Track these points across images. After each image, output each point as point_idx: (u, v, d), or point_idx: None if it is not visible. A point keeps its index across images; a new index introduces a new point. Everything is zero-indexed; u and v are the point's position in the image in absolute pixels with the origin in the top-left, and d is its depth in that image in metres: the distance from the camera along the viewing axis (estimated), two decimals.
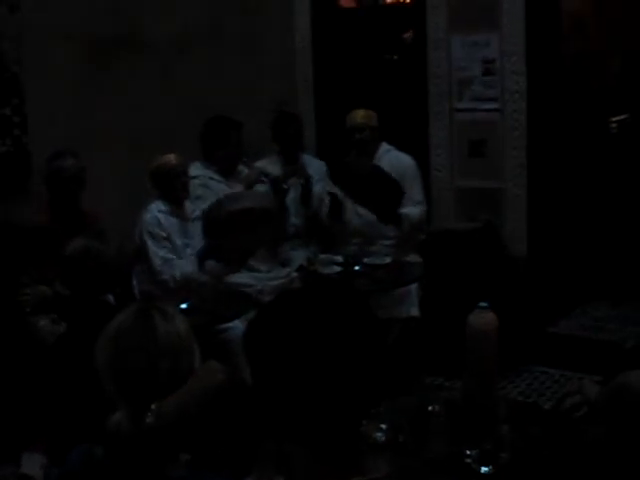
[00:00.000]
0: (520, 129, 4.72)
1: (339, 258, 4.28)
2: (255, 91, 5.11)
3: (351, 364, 3.60)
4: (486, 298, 2.33)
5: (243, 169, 4.50)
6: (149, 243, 3.86)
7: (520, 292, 4.57)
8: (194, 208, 4.08)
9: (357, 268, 4.16)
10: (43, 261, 3.37)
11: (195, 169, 4.27)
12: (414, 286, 4.29)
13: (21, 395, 2.73)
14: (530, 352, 4.57)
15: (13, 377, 2.80)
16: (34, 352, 2.88)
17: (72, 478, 1.70)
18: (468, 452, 2.07)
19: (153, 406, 1.59)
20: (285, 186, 4.48)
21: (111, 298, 3.35)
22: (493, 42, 4.73)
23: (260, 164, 4.66)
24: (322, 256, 4.41)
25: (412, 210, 4.44)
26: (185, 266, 3.82)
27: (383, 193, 4.34)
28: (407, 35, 5.25)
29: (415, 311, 4.29)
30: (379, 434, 2.24)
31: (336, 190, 4.43)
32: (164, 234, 3.90)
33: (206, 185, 4.32)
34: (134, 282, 4.01)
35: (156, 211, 3.92)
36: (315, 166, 4.80)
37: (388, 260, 4.29)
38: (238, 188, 4.36)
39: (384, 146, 4.59)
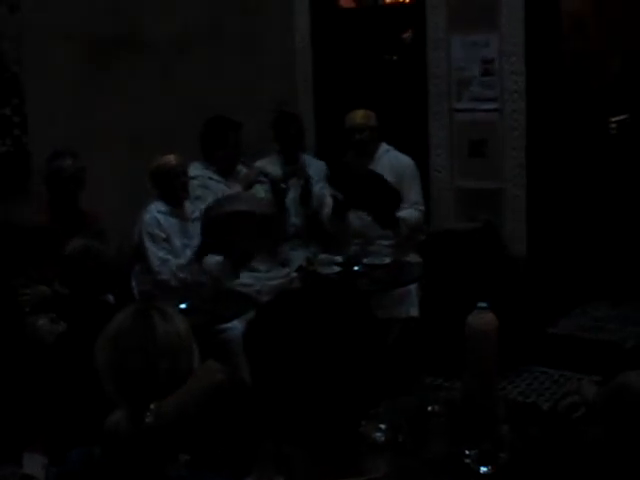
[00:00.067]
0: (519, 129, 4.72)
1: (339, 258, 4.28)
2: (255, 91, 5.11)
3: (351, 364, 3.61)
4: (486, 298, 2.33)
5: (242, 169, 4.50)
6: (148, 244, 3.86)
7: (520, 292, 4.57)
8: (194, 209, 4.08)
9: (357, 268, 4.16)
10: (42, 261, 3.37)
11: (194, 169, 4.27)
12: (414, 286, 4.29)
13: (20, 395, 2.73)
14: (530, 352, 4.57)
15: (12, 376, 2.80)
16: (33, 351, 2.88)
17: (71, 478, 1.70)
18: (467, 452, 2.07)
19: (152, 406, 1.59)
20: (284, 186, 4.48)
21: (111, 298, 3.35)
22: (492, 42, 4.73)
23: (260, 164, 4.66)
24: (322, 256, 4.41)
25: (410, 213, 4.44)
26: (180, 266, 3.83)
27: (380, 198, 4.34)
28: (406, 35, 5.25)
29: (415, 311, 4.29)
30: (378, 434, 2.25)
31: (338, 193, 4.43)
32: (163, 235, 3.90)
33: (205, 185, 4.32)
34: (133, 282, 4.01)
35: (155, 212, 3.92)
36: (315, 166, 4.80)
37: (388, 260, 4.29)
38: (237, 188, 4.37)
39: (383, 146, 4.59)
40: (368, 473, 2.10)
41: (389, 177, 4.41)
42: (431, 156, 5.03)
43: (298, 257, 4.46)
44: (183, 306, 3.43)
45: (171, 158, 3.92)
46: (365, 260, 4.24)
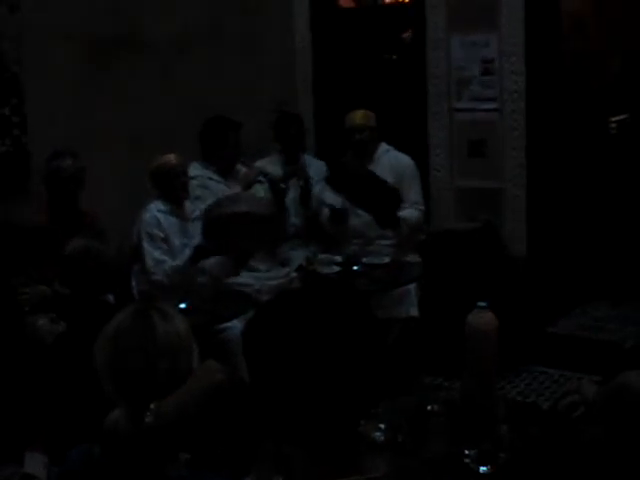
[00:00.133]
0: (519, 129, 4.72)
1: (338, 258, 4.29)
2: (255, 91, 5.11)
3: (350, 364, 3.61)
4: (485, 298, 2.33)
5: (241, 168, 4.50)
6: (145, 243, 3.86)
7: (519, 292, 4.57)
8: (193, 208, 4.08)
9: (356, 268, 4.16)
10: (42, 261, 3.37)
11: (194, 169, 4.28)
12: (413, 286, 4.29)
13: (20, 394, 2.73)
14: (529, 352, 4.57)
15: (12, 376, 2.80)
16: (33, 351, 2.88)
17: (72, 477, 1.70)
18: (467, 452, 2.07)
19: (152, 406, 1.59)
20: (284, 186, 4.48)
21: (111, 298, 3.35)
22: (492, 42, 4.73)
23: (260, 163, 4.66)
24: (321, 256, 4.42)
25: (410, 213, 4.44)
26: (175, 266, 3.83)
27: (380, 198, 4.34)
28: (406, 35, 5.25)
29: (414, 311, 4.29)
30: (378, 434, 2.25)
31: (334, 200, 4.43)
32: (162, 235, 3.90)
33: (205, 185, 4.32)
34: (133, 282, 4.01)
35: (155, 211, 3.92)
36: (315, 166, 4.80)
37: (387, 260, 4.29)
38: (237, 188, 4.37)
39: (383, 146, 4.59)
40: (368, 473, 2.10)
41: (389, 177, 4.42)
42: (431, 156, 5.03)
43: (298, 257, 4.46)
44: (182, 306, 3.43)
45: (171, 158, 3.92)
46: (365, 260, 4.24)
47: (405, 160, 4.57)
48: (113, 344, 1.66)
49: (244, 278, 4.13)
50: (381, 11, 5.43)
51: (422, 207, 4.55)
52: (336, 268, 4.18)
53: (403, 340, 4.27)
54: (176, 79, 4.73)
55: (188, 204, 4.06)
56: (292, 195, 4.60)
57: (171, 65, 4.73)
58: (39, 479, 2.52)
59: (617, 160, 5.42)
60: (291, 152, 4.68)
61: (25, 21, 4.09)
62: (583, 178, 5.23)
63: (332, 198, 4.49)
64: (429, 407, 2.40)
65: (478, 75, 4.80)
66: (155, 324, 1.66)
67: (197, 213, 4.03)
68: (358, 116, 4.49)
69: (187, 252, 3.86)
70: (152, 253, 3.85)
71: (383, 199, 4.33)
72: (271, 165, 4.66)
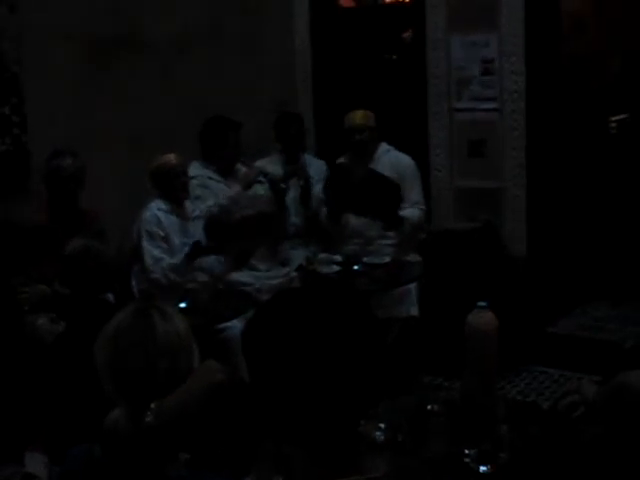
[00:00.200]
0: (519, 129, 4.72)
1: (338, 257, 4.29)
2: (255, 91, 5.11)
3: (350, 364, 3.60)
4: (485, 298, 2.33)
5: (241, 168, 4.50)
6: (144, 242, 3.86)
7: (519, 292, 4.57)
8: (194, 208, 4.08)
9: (356, 267, 4.16)
10: (42, 260, 3.37)
11: (194, 169, 4.28)
12: (413, 285, 4.29)
13: (20, 394, 2.73)
14: (529, 352, 4.57)
15: (11, 376, 2.80)
16: (32, 351, 2.88)
17: (72, 477, 1.70)
18: (467, 451, 2.07)
19: (153, 405, 1.59)
20: (284, 186, 4.49)
21: (111, 297, 3.35)
22: (492, 42, 4.73)
23: (261, 163, 4.66)
24: (321, 255, 4.42)
25: (412, 212, 4.44)
26: (174, 264, 3.83)
27: (381, 198, 4.34)
28: (406, 35, 5.25)
29: (414, 310, 4.29)
30: (378, 433, 2.24)
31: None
32: (162, 233, 3.90)
33: (205, 185, 4.32)
34: (133, 281, 4.01)
35: (156, 209, 3.92)
36: (316, 166, 4.80)
37: (387, 259, 4.29)
38: (236, 188, 4.36)
39: (383, 146, 4.59)
40: (368, 472, 2.09)
41: (389, 177, 4.42)
42: (431, 156, 5.03)
43: (298, 256, 4.46)
44: (183, 305, 3.43)
45: (171, 158, 3.93)
46: (365, 259, 4.24)
47: (405, 160, 4.57)
48: (113, 343, 1.66)
49: (244, 277, 4.13)
50: (381, 11, 5.43)
51: (423, 207, 4.55)
52: (336, 268, 4.18)
53: (403, 340, 4.27)
54: (176, 79, 4.73)
55: (188, 204, 4.07)
56: (292, 195, 4.60)
57: (171, 65, 4.72)
58: (40, 479, 2.52)
59: (617, 160, 5.42)
60: (291, 152, 4.69)
61: (25, 21, 4.09)
62: (583, 178, 5.23)
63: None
64: (429, 407, 2.40)
65: (478, 75, 4.80)
66: (155, 323, 1.66)
67: (197, 212, 4.03)
68: (357, 116, 4.49)
69: (185, 249, 3.87)
70: (151, 251, 3.85)
71: (385, 198, 4.32)
72: (271, 165, 4.66)
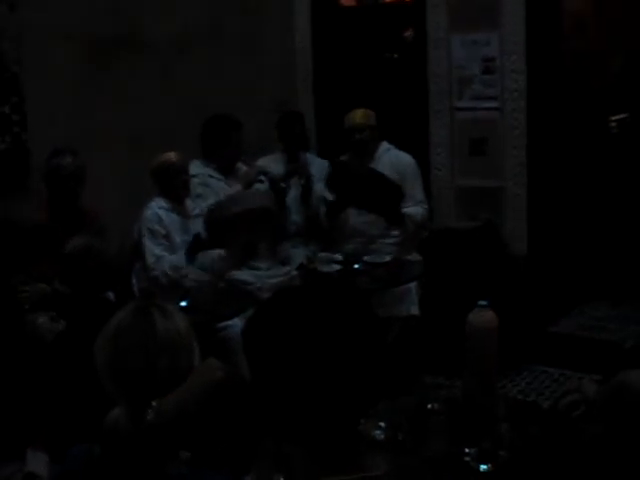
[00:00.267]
0: (520, 128, 4.72)
1: (339, 256, 4.29)
2: (255, 91, 5.11)
3: (350, 362, 3.60)
4: (486, 297, 2.33)
5: (241, 166, 4.50)
6: (146, 240, 3.86)
7: (520, 291, 4.57)
8: (194, 206, 4.08)
9: (357, 266, 4.17)
10: (42, 259, 3.36)
11: (195, 167, 4.28)
12: (414, 284, 4.29)
13: (20, 393, 2.73)
14: (530, 351, 4.57)
15: (11, 374, 2.80)
16: (32, 349, 2.88)
17: (72, 476, 1.70)
18: (467, 450, 2.07)
19: (153, 403, 1.59)
20: (284, 185, 4.49)
21: (111, 296, 3.35)
22: (493, 41, 4.74)
23: (263, 162, 4.66)
24: (322, 254, 4.41)
25: (415, 210, 4.44)
26: (176, 261, 3.83)
27: (383, 193, 4.34)
28: (407, 34, 5.25)
29: (415, 310, 4.29)
30: (378, 432, 2.25)
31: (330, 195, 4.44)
32: (163, 231, 3.90)
33: (206, 183, 4.32)
34: (133, 280, 4.01)
35: (157, 207, 3.92)
36: (317, 165, 4.80)
37: (388, 258, 4.29)
38: (237, 186, 4.36)
39: (384, 145, 4.59)
40: (368, 471, 2.10)
41: (390, 176, 4.41)
42: (432, 155, 5.04)
43: (299, 255, 4.46)
44: (183, 304, 3.43)
45: (172, 155, 3.93)
46: (365, 258, 4.24)
47: (406, 159, 4.57)
48: (113, 342, 1.65)
49: (245, 276, 4.14)
50: (382, 10, 5.43)
51: (426, 205, 4.55)
52: (337, 266, 4.18)
53: (404, 339, 4.27)
54: (176, 79, 4.73)
55: (189, 201, 4.07)
56: (293, 193, 4.60)
57: (171, 65, 4.73)
58: (41, 478, 2.52)
59: (617, 159, 5.41)
60: (294, 151, 4.69)
61: (25, 21, 4.09)
62: (584, 177, 5.22)
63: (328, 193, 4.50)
64: (429, 406, 2.40)
65: (479, 74, 4.80)
66: (155, 322, 1.66)
67: (197, 210, 4.04)
68: (358, 115, 4.49)
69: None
70: (153, 249, 3.85)
71: (386, 196, 4.33)
72: (274, 163, 4.67)
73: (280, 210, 4.33)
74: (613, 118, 5.57)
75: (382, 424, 2.26)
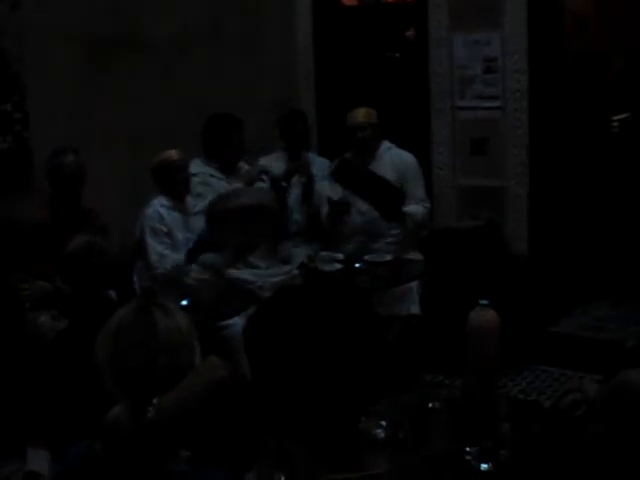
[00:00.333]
0: (522, 128, 4.72)
1: (340, 255, 4.29)
2: (255, 91, 5.11)
3: (351, 361, 3.60)
4: (487, 296, 2.33)
5: (243, 166, 4.50)
6: (148, 238, 3.86)
7: (521, 291, 4.57)
8: (195, 204, 4.08)
9: (358, 265, 4.17)
10: (42, 258, 3.37)
11: (195, 166, 4.27)
12: (415, 284, 4.29)
13: (22, 391, 2.73)
14: (531, 350, 4.57)
15: (13, 373, 2.80)
16: (34, 348, 2.88)
17: (72, 473, 1.70)
18: (468, 449, 2.07)
19: (154, 401, 1.59)
20: (284, 184, 4.49)
21: (113, 294, 3.36)
22: (495, 41, 4.73)
23: (265, 160, 4.66)
24: (323, 253, 4.41)
25: (416, 209, 4.44)
26: (179, 260, 3.83)
27: (383, 194, 4.35)
28: (409, 33, 5.25)
29: (416, 309, 4.29)
30: (379, 431, 2.25)
31: (334, 193, 4.44)
32: (165, 229, 3.90)
33: (206, 182, 4.32)
34: (135, 278, 4.01)
35: (158, 206, 3.92)
36: (319, 164, 4.80)
37: (389, 257, 4.29)
38: (238, 186, 4.36)
39: (385, 144, 4.59)
40: (369, 469, 2.10)
41: (391, 175, 4.42)
42: (433, 154, 5.04)
43: (300, 254, 4.46)
44: (184, 302, 3.43)
45: (173, 153, 3.93)
46: (366, 257, 4.24)
47: (407, 158, 4.57)
48: (114, 340, 1.65)
49: (246, 275, 4.14)
50: (384, 9, 5.43)
51: (428, 204, 4.55)
52: (338, 265, 4.18)
53: (404, 338, 4.27)
54: (176, 79, 4.73)
55: (190, 199, 4.07)
56: (295, 192, 4.60)
57: (171, 65, 4.72)
58: (42, 476, 2.52)
59: (619, 159, 5.41)
60: (296, 149, 4.69)
61: (26, 19, 4.09)
62: (585, 177, 5.22)
63: (333, 192, 4.49)
64: (430, 404, 2.40)
65: (481, 73, 4.80)
66: (156, 320, 1.65)
67: (198, 207, 4.03)
68: (360, 114, 4.49)
69: (189, 245, 3.87)
70: (156, 248, 3.85)
71: (386, 196, 4.33)
72: (276, 162, 4.67)
73: (281, 209, 4.32)
74: (615, 118, 5.57)
75: (383, 422, 2.26)
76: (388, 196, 4.34)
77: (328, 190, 4.53)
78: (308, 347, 3.59)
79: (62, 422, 2.52)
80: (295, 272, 4.25)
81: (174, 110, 4.63)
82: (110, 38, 4.41)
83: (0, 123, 4.04)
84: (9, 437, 2.65)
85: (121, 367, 1.63)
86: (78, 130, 4.20)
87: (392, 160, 4.51)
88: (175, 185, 3.93)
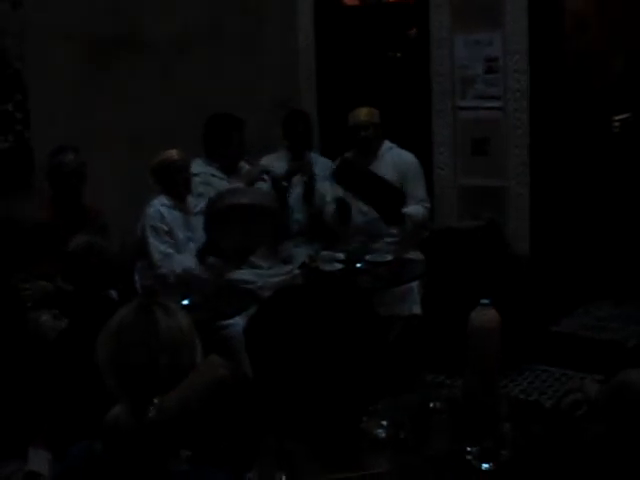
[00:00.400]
0: (523, 128, 4.72)
1: (341, 255, 4.28)
2: (255, 91, 5.11)
3: (352, 361, 3.60)
4: (488, 296, 2.33)
5: (244, 165, 4.50)
6: (150, 237, 3.86)
7: (522, 290, 4.56)
8: (196, 204, 4.08)
9: (359, 265, 4.16)
10: (43, 257, 3.37)
11: (197, 166, 4.27)
12: (416, 284, 4.29)
13: (23, 390, 2.73)
14: (532, 350, 4.57)
15: (14, 372, 2.80)
16: (35, 347, 2.88)
17: (73, 473, 1.70)
18: (469, 449, 2.07)
19: (155, 400, 1.59)
20: (285, 184, 4.48)
21: (114, 293, 3.35)
22: (496, 41, 4.74)
23: (267, 160, 4.66)
24: (324, 253, 4.41)
25: (416, 209, 4.44)
26: (185, 260, 3.82)
27: (384, 195, 4.34)
28: (410, 33, 5.25)
29: (417, 309, 4.29)
30: (380, 431, 2.24)
31: (342, 193, 4.44)
32: (166, 228, 3.90)
33: (207, 182, 4.32)
34: (136, 278, 4.01)
35: (159, 205, 3.92)
36: (321, 164, 4.80)
37: (390, 257, 4.28)
38: (239, 186, 4.36)
39: (386, 144, 4.59)
40: (370, 469, 2.10)
41: (392, 175, 4.42)
42: (434, 154, 5.04)
43: (301, 254, 4.46)
44: (185, 302, 3.43)
45: (173, 153, 3.93)
46: (367, 257, 4.23)
47: (408, 158, 4.57)
48: (115, 339, 1.65)
49: (246, 275, 4.13)
50: (385, 9, 5.43)
51: (428, 204, 4.55)
52: (339, 265, 4.18)
53: (405, 337, 4.27)
54: (176, 79, 4.73)
55: (191, 199, 4.06)
56: (296, 192, 4.60)
57: (171, 65, 4.72)
58: (43, 476, 2.52)
59: (620, 159, 5.42)
60: (298, 149, 4.69)
61: (27, 18, 4.09)
62: (586, 177, 5.22)
63: (334, 192, 4.49)
64: (431, 404, 2.40)
65: (482, 73, 4.80)
66: (158, 319, 1.65)
67: (199, 207, 4.03)
68: (362, 113, 4.49)
69: (192, 244, 3.86)
70: (158, 247, 3.85)
71: (387, 197, 4.33)
72: (278, 161, 4.67)
73: (282, 208, 4.32)
74: (615, 118, 5.57)
75: (384, 422, 2.25)
76: (388, 198, 4.34)
77: (329, 190, 4.53)
78: (309, 347, 3.59)
79: (63, 422, 2.52)
80: (296, 272, 4.25)
81: (174, 110, 4.63)
82: (110, 38, 4.41)
83: (1, 123, 4.04)
84: (9, 437, 2.65)
85: (122, 366, 1.63)
86: (78, 130, 4.20)
87: (393, 160, 4.51)
88: (176, 185, 3.93)
